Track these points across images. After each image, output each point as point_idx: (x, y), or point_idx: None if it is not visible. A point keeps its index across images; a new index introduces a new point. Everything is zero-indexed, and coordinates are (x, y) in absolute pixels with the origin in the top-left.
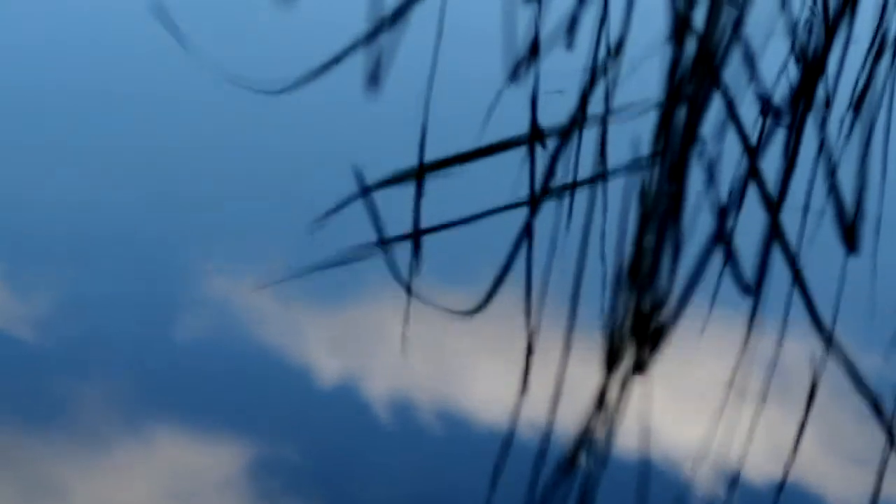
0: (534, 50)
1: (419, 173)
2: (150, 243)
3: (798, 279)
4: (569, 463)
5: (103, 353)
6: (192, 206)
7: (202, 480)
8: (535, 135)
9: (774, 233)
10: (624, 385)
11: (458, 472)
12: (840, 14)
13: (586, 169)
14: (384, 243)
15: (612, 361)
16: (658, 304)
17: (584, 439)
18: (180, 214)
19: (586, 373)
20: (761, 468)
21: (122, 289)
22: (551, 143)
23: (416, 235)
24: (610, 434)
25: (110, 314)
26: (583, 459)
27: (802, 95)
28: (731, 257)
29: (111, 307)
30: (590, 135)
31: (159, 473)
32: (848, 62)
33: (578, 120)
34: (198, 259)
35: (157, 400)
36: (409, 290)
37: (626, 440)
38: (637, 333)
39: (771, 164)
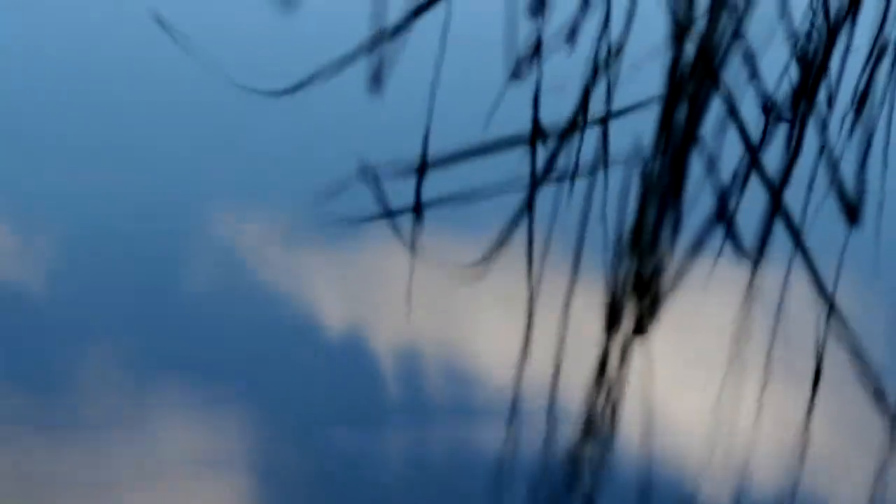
0: (536, 50)
1: (421, 168)
2: (150, 234)
3: (799, 245)
4: (574, 448)
5: (108, 307)
6: (190, 204)
7: (206, 439)
8: (537, 133)
9: (776, 208)
10: (625, 349)
11: (463, 425)
12: (841, 18)
13: (587, 165)
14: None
15: (612, 323)
16: (659, 269)
17: (589, 417)
18: (179, 207)
19: (587, 328)
20: (765, 442)
21: (124, 241)
22: (552, 142)
23: (417, 210)
24: (614, 405)
25: (116, 266)
26: (588, 439)
27: (803, 97)
28: (731, 229)
29: (117, 258)
30: (590, 133)
31: (159, 436)
32: (848, 65)
33: (580, 118)
34: (203, 232)
35: (160, 357)
36: (413, 250)
37: (629, 411)
38: (638, 294)
39: (771, 164)
